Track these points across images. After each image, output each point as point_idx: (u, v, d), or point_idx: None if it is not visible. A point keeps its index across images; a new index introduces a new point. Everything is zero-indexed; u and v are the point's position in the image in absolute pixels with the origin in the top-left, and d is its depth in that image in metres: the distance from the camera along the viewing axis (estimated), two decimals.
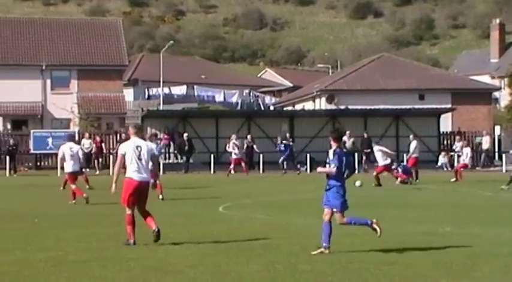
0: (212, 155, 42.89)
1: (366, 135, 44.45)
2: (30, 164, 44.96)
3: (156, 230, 12.47)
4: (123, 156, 12.72)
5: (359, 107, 51.24)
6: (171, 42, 77.00)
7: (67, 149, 21.35)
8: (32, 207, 20.16)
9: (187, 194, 25.31)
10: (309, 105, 60.66)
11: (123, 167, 12.79)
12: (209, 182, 33.91)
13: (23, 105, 53.52)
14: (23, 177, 37.72)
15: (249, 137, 43.86)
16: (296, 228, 15.37)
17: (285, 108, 65.10)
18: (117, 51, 56.73)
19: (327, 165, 12.05)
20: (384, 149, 29.81)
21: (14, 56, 54.86)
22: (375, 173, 29.18)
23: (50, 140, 43.26)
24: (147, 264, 10.73)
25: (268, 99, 79.27)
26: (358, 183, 27.10)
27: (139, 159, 12.61)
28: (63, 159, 21.45)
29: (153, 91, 73.03)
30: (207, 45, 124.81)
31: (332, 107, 55.17)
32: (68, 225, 15.87)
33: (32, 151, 44.25)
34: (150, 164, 12.92)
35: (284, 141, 42.26)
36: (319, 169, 12.64)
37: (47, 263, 10.82)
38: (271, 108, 71.64)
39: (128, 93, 65.71)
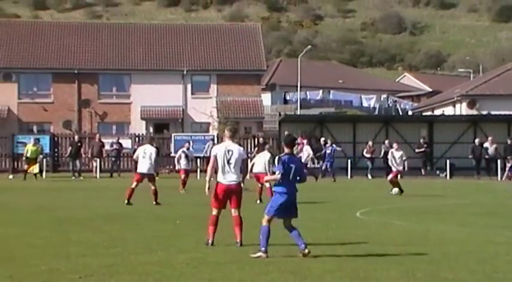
0: (349, 160, 42.63)
1: (509, 142, 43.00)
2: (171, 167, 46.08)
3: (239, 244, 12.71)
4: (215, 157, 12.92)
5: (502, 112, 49.66)
6: (309, 46, 77.18)
7: (141, 151, 22.14)
8: (173, 209, 20.63)
9: (324, 198, 25.24)
10: (448, 111, 59.35)
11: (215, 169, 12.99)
12: (346, 186, 33.71)
13: (164, 109, 54.99)
14: (164, 180, 38.71)
15: (386, 142, 43.31)
16: (436, 236, 15.01)
17: (424, 113, 63.96)
18: (255, 56, 57.37)
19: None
20: None
21: (157, 61, 56.47)
22: None
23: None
24: (286, 268, 10.74)
25: (407, 104, 78.09)
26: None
27: (229, 163, 12.76)
28: (136, 159, 22.38)
29: (291, 95, 73.40)
30: (344, 49, 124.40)
31: (473, 112, 53.75)
32: (207, 228, 16.11)
33: (173, 154, 45.32)
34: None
35: (333, 146, 41.18)
36: (266, 178, 13.38)
37: (188, 264, 11.03)
38: (410, 113, 70.54)
39: (266, 98, 66.31)
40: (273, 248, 12.72)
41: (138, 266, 10.95)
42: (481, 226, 16.89)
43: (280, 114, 50.72)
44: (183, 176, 28.70)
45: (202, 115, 53.77)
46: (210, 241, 12.90)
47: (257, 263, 11.14)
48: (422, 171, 43.54)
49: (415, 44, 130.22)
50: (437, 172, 43.61)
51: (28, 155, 36.89)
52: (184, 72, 55.62)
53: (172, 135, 47.10)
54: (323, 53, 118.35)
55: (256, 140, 45.46)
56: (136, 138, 46.49)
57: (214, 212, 12.95)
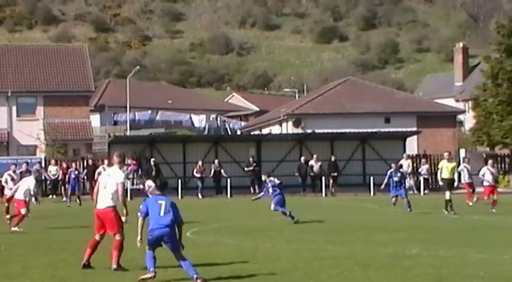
0: (180, 180, 42.80)
1: (333, 159, 44.69)
2: None
3: (113, 268, 12.63)
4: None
5: (326, 130, 51.49)
6: (138, 67, 76.93)
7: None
8: None
9: None
10: (276, 130, 60.82)
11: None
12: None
13: None
14: None
15: (216, 161, 43.89)
16: (264, 252, 15.39)
17: (252, 133, 65.22)
18: (83, 77, 56.56)
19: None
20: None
21: None
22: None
23: None
24: None
25: (236, 124, 79.39)
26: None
27: (105, 188, 13.03)
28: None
29: (120, 116, 72.81)
30: (173, 70, 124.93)
31: (299, 130, 55.38)
32: (35, 252, 15.76)
33: None
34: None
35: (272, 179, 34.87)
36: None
37: None
38: (238, 132, 71.72)
39: (95, 119, 65.45)
40: (102, 271, 12.59)
41: None
42: (307, 242, 17.47)
43: (109, 136, 50.22)
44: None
45: (29, 138, 52.32)
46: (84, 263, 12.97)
47: None
48: (251, 189, 44.34)
49: (243, 65, 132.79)
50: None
51: None
52: (9, 93, 53.96)
53: None
54: (152, 74, 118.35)
55: (85, 161, 44.75)
56: None
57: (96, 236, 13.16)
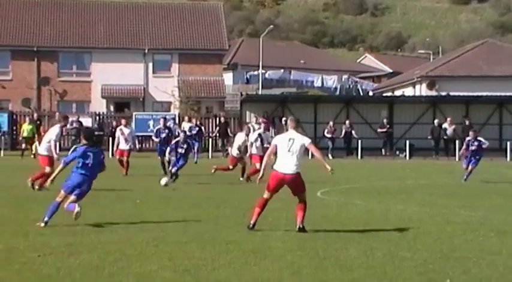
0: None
1: (467, 123, 43.51)
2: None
3: (300, 226, 12.36)
4: (276, 146, 12.69)
5: (461, 93, 50.18)
6: (271, 26, 77.02)
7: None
8: (134, 189, 20.53)
9: None
10: (408, 92, 59.80)
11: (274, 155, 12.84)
12: (307, 166, 33.79)
13: (125, 88, 54.59)
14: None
15: (347, 122, 43.61)
16: (395, 216, 15.17)
17: (384, 94, 64.38)
18: (217, 35, 57.14)
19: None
20: None
21: (118, 39, 55.98)
22: None
23: (151, 123, 44.07)
24: (246, 248, 10.78)
25: (368, 85, 78.48)
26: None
27: (289, 151, 12.48)
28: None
29: (253, 75, 73.29)
30: (306, 30, 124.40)
31: (433, 93, 54.22)
32: (168, 207, 16.14)
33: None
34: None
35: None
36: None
37: (148, 243, 11.02)
38: (370, 93, 70.93)
39: (228, 78, 66.15)
40: (234, 227, 12.77)
41: (98, 244, 10.91)
42: (439, 206, 17.10)
43: (241, 94, 50.68)
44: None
45: (163, 94, 53.51)
46: (252, 222, 12.43)
47: (217, 242, 11.16)
48: (383, 151, 43.88)
49: (376, 25, 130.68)
50: (397, 152, 44.00)
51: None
52: (146, 50, 55.23)
53: (134, 114, 46.83)
54: (285, 33, 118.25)
55: (217, 119, 45.40)
56: (97, 117, 46.15)
57: (266, 195, 12.57)
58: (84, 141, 13.15)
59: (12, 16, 56.15)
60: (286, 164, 12.47)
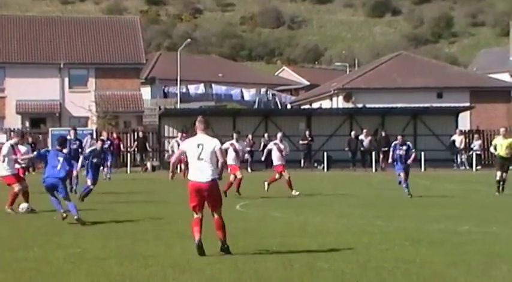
0: None
1: (383, 134, 44.32)
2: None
3: (224, 246, 11.58)
4: (183, 152, 11.69)
5: (377, 105, 51.08)
6: (189, 40, 76.99)
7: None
8: (49, 205, 20.17)
9: None
10: (326, 104, 60.54)
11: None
12: (224, 180, 33.82)
13: (41, 103, 53.75)
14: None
15: (266, 135, 43.85)
16: (313, 227, 15.33)
17: (302, 107, 65.03)
18: (134, 49, 56.86)
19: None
20: None
21: (33, 54, 55.13)
22: None
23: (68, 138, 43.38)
24: (165, 262, 10.75)
25: (286, 98, 79.17)
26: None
27: (199, 158, 11.40)
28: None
29: (171, 89, 73.12)
30: (224, 43, 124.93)
31: (349, 105, 55.05)
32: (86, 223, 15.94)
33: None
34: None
35: None
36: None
37: (65, 260, 10.88)
38: (289, 106, 71.56)
39: (146, 92, 65.81)
40: (152, 242, 12.70)
41: (13, 262, 10.71)
42: (356, 217, 17.36)
43: (160, 108, 50.46)
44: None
45: (80, 109, 52.89)
46: (197, 240, 11.29)
47: (136, 257, 11.09)
48: (302, 163, 44.28)
49: (294, 38, 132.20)
50: (315, 164, 44.51)
51: None
52: (61, 65, 54.53)
53: (50, 129, 46.10)
54: (203, 47, 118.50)
55: (136, 134, 45.10)
56: (11, 133, 45.22)
57: (196, 215, 11.48)
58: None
59: None
60: (199, 172, 11.38)
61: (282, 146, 25.23)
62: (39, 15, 66.54)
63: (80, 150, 25.91)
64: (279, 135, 26.18)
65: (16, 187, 18.00)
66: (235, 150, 23.94)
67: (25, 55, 54.89)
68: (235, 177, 23.55)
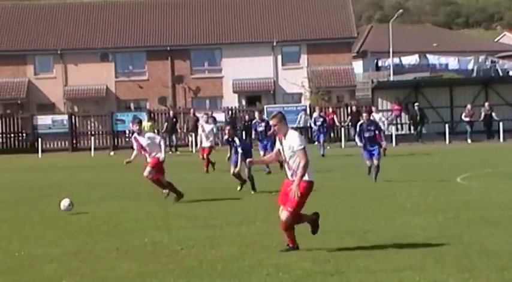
0: (447, 125, 41.73)
1: None
2: None
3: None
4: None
5: None
6: (401, 10, 75.61)
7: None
8: (269, 182, 20.53)
9: (422, 164, 24.79)
10: None
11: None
12: (445, 151, 33.02)
13: (256, 81, 55.00)
14: None
15: (486, 104, 42.21)
16: None
17: None
18: (345, 23, 56.67)
19: None
20: None
21: (247, 33, 56.45)
22: None
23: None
24: (384, 237, 10.57)
25: (507, 65, 75.82)
26: None
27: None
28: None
29: (383, 62, 72.31)
30: (438, 11, 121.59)
31: None
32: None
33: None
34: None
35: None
36: None
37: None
38: (511, 73, 68.54)
39: (358, 65, 65.52)
40: (371, 217, 12.53)
41: (238, 237, 10.98)
42: None
43: (372, 82, 50.01)
44: None
45: (293, 86, 53.61)
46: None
47: (356, 232, 10.97)
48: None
49: None
50: None
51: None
52: (274, 43, 55.44)
53: (265, 107, 47.08)
54: (416, 17, 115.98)
55: (349, 108, 44.99)
56: (230, 112, 46.70)
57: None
58: None
59: (145, 18, 57.61)
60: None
61: None
62: None
63: (265, 129, 24.13)
64: None
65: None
66: None
67: (240, 35, 56.33)
68: None
